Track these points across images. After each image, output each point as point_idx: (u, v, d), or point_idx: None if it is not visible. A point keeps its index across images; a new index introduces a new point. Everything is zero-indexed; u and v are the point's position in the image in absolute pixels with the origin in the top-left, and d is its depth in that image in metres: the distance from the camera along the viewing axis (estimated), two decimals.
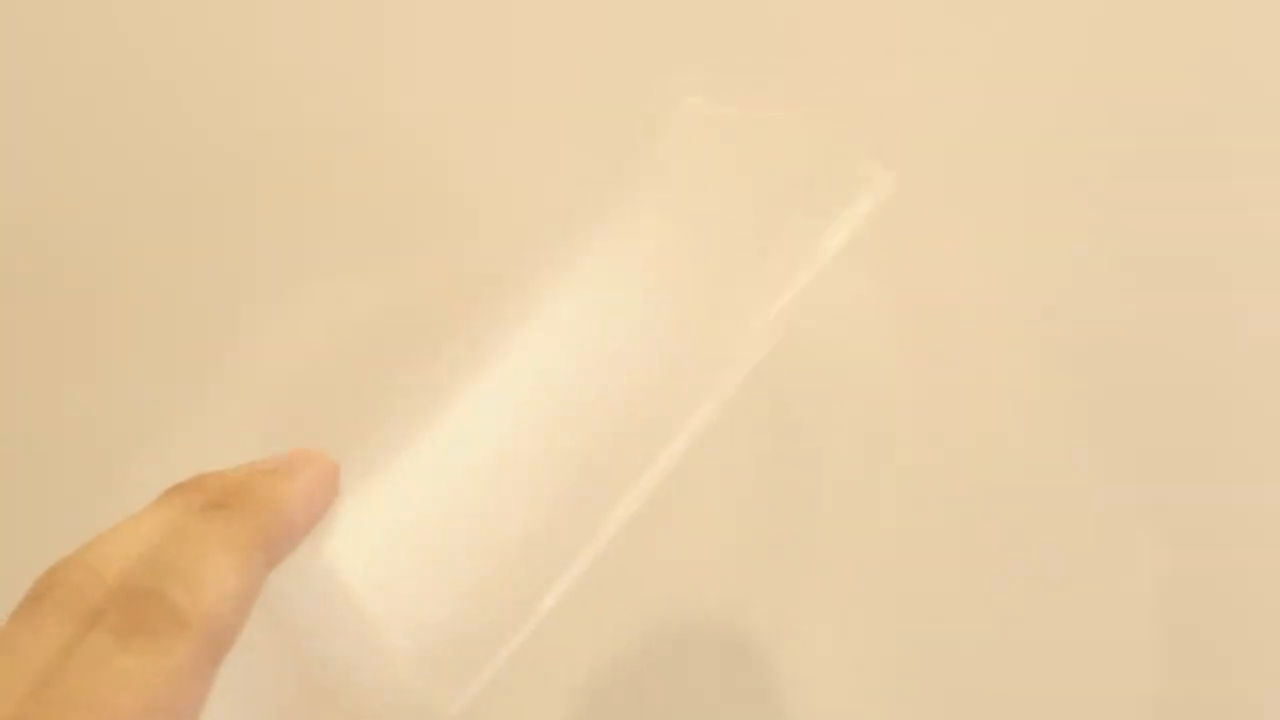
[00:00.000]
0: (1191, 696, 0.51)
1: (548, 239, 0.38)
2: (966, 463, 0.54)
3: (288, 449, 0.31)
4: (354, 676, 0.29)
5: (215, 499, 0.27)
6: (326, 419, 0.54)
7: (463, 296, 0.54)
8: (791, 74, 0.57)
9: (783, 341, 0.56)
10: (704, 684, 0.53)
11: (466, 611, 0.31)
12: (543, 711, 0.51)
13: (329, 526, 0.29)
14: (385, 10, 0.58)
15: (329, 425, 0.54)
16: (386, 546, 0.30)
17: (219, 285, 0.56)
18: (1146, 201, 0.55)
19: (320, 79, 0.58)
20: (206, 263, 0.57)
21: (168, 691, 0.24)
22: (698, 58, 0.57)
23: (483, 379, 0.33)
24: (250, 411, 0.55)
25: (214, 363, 0.55)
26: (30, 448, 0.56)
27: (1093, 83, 0.56)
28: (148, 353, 0.56)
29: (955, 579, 0.53)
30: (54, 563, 0.27)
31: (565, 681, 0.51)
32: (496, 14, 0.57)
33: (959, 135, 0.56)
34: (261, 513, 0.27)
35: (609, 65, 0.56)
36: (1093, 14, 0.57)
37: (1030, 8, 0.57)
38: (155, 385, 0.56)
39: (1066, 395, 0.54)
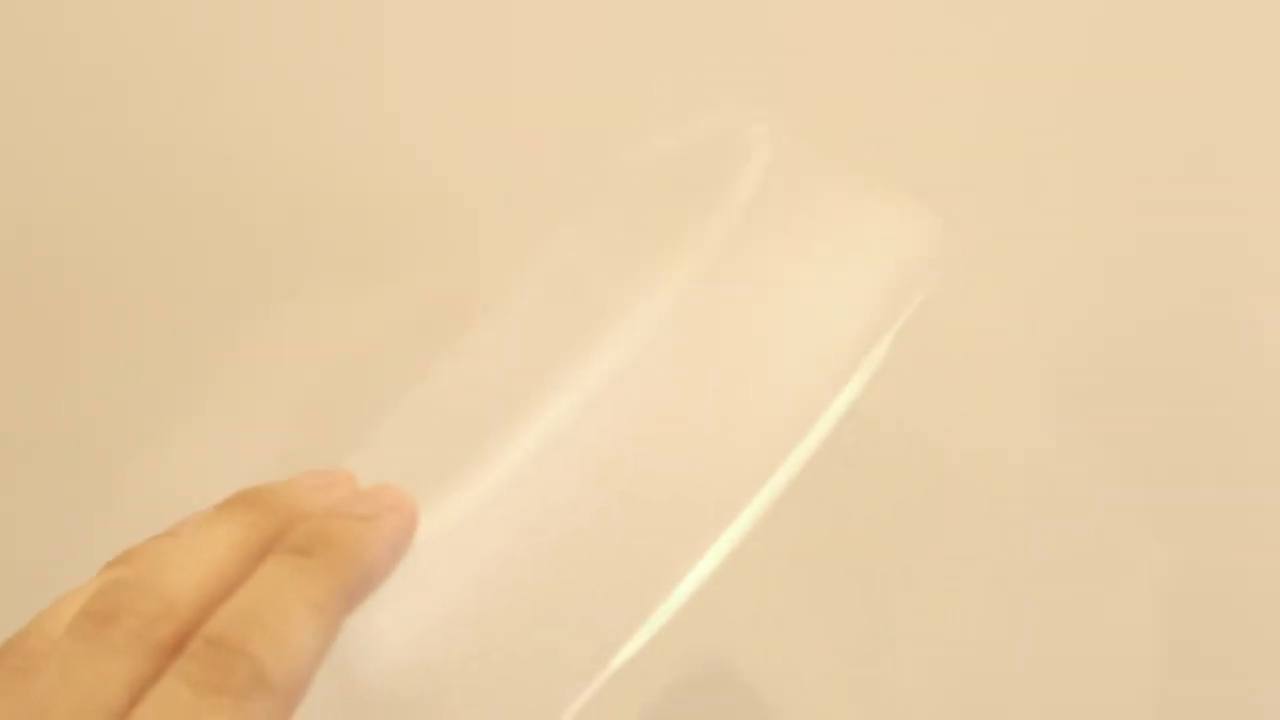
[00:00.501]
0: (1192, 697, 0.51)
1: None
2: (965, 464, 0.54)
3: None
4: None
5: (300, 544, 0.26)
6: (326, 419, 0.54)
7: (463, 297, 0.54)
8: (789, 73, 0.57)
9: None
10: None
11: (525, 675, 0.29)
12: None
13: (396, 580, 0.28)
14: (385, 11, 0.58)
15: (329, 425, 0.54)
16: (442, 609, 0.29)
17: (219, 285, 0.56)
18: (1146, 202, 0.55)
19: (320, 80, 0.58)
20: (207, 262, 0.57)
21: None
22: (699, 58, 0.57)
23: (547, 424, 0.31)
24: (250, 411, 0.55)
25: (214, 363, 0.55)
26: (30, 448, 0.56)
27: (1092, 83, 0.56)
28: (148, 353, 0.56)
29: (953, 580, 0.53)
30: (113, 574, 0.26)
31: None
32: (496, 14, 0.57)
33: (958, 136, 0.56)
34: (347, 566, 0.26)
35: (609, 66, 0.56)
36: (1093, 14, 0.57)
37: (1030, 8, 0.57)
38: (155, 385, 0.56)
39: (1066, 396, 0.54)
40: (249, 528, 0.27)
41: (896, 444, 0.54)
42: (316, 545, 0.26)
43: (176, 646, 0.24)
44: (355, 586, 0.26)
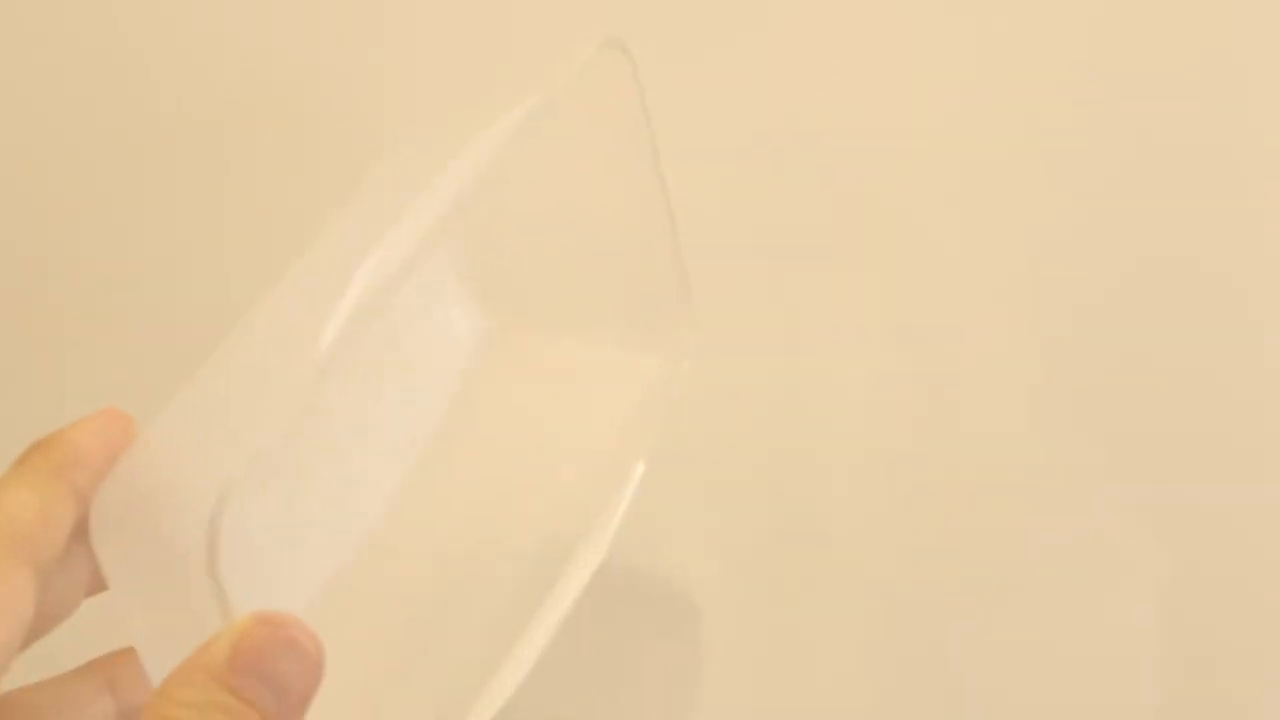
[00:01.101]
0: (1193, 698, 0.51)
1: None
2: (963, 462, 0.54)
3: None
4: None
5: (19, 457, 0.32)
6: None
7: None
8: (787, 73, 0.57)
9: (781, 342, 0.56)
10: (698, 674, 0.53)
11: None
12: None
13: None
14: (385, 11, 0.58)
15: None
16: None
17: (220, 285, 0.56)
18: (1146, 200, 0.55)
19: (320, 79, 0.58)
20: (208, 262, 0.57)
21: None
22: (698, 58, 0.57)
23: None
24: None
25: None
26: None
27: (1092, 82, 0.56)
28: (148, 353, 0.56)
29: (948, 578, 0.53)
30: None
31: None
32: (496, 13, 0.57)
33: (958, 134, 0.56)
34: (50, 450, 0.32)
35: None
36: (1092, 15, 0.57)
37: (1029, 8, 0.57)
38: (155, 385, 0.56)
39: (1065, 395, 0.54)
40: None
41: (888, 439, 0.54)
42: (28, 451, 0.32)
43: None
44: (61, 460, 0.32)
